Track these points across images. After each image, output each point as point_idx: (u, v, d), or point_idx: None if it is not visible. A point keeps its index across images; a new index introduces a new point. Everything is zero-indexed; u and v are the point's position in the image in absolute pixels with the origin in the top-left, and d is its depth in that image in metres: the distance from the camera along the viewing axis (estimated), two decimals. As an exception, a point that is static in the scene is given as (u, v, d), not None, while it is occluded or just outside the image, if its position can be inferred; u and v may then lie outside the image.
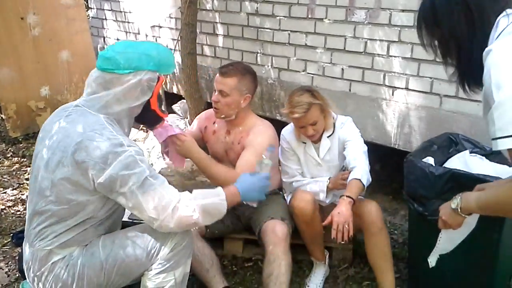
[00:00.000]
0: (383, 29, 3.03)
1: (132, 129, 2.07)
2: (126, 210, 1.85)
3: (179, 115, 4.95)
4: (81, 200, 1.71)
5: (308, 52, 3.52)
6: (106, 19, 5.57)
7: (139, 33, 5.10)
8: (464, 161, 2.22)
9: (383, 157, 3.33)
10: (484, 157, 2.25)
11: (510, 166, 1.65)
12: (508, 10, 1.27)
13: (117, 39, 5.37)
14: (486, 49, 1.19)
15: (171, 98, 5.24)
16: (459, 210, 1.46)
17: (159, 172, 3.07)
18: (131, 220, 2.70)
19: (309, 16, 3.44)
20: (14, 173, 3.85)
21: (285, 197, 2.58)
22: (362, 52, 3.19)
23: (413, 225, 2.35)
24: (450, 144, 2.41)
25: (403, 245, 2.82)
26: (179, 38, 3.88)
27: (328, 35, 3.36)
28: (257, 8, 3.78)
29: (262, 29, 3.80)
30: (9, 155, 4.25)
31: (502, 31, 1.23)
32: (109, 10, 5.46)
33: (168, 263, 1.83)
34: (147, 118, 1.90)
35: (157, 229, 1.76)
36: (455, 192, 1.56)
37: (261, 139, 2.34)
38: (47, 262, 1.77)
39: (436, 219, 1.73)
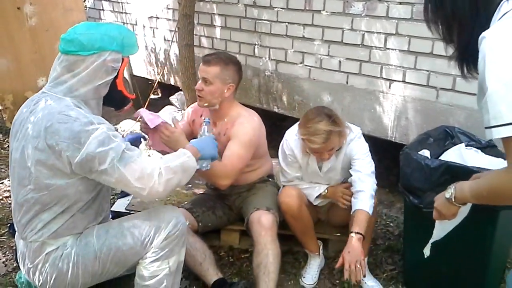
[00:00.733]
0: (381, 21, 3.03)
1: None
2: (119, 201, 1.86)
3: (176, 106, 4.95)
4: (60, 183, 1.71)
5: (306, 44, 3.52)
6: (103, 9, 5.54)
7: (136, 24, 5.08)
8: (459, 154, 2.23)
9: (379, 150, 3.33)
10: (479, 150, 2.26)
11: (505, 159, 1.66)
12: None
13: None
14: (482, 34, 1.17)
15: (169, 90, 5.25)
16: (453, 200, 1.46)
17: None
18: (128, 211, 2.73)
19: (307, 8, 3.43)
20: (11, 163, 3.85)
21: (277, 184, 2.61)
22: (359, 45, 3.18)
23: (408, 217, 2.37)
24: (446, 137, 2.42)
25: (398, 237, 2.84)
26: (177, 29, 3.88)
27: (326, 27, 3.36)
28: (254, -1, 3.77)
29: (259, 21, 3.79)
30: (6, 145, 4.25)
31: (503, 15, 1.21)
32: (106, 0, 5.44)
33: (162, 252, 1.85)
34: (114, 99, 1.91)
35: (146, 198, 1.78)
36: (450, 184, 1.56)
37: (245, 129, 2.34)
38: (41, 254, 1.78)
39: (431, 211, 1.75)
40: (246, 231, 2.41)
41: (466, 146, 2.30)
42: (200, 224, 2.45)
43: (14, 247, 2.55)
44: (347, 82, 3.33)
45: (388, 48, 3.04)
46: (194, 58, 3.81)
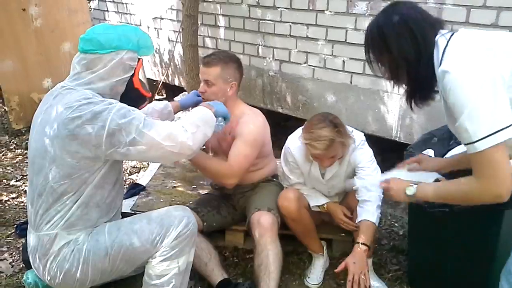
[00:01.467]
0: (385, 21, 3.02)
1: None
2: (124, 201, 1.88)
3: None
4: (82, 172, 1.75)
5: (310, 44, 3.52)
6: (108, 10, 5.56)
7: (140, 25, 5.10)
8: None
9: (384, 149, 3.33)
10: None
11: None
12: (442, 31, 1.47)
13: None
14: (440, 69, 1.36)
15: (173, 91, 5.26)
16: (411, 197, 1.62)
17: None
18: (133, 212, 2.74)
19: (310, 8, 3.43)
20: (17, 165, 3.87)
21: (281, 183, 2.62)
22: (363, 44, 3.17)
23: (413, 217, 2.36)
24: (450, 136, 2.41)
25: (403, 237, 2.83)
26: (181, 30, 3.89)
27: (329, 27, 3.36)
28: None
29: (263, 21, 3.79)
30: (12, 147, 4.27)
31: (444, 50, 1.40)
32: (110, 1, 5.46)
33: (172, 251, 1.87)
34: (131, 97, 1.94)
35: (180, 156, 1.85)
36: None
37: (250, 128, 2.35)
38: (52, 247, 1.80)
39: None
40: (250, 231, 2.42)
41: (470, 145, 2.29)
42: (205, 223, 2.46)
43: (21, 248, 2.56)
44: (351, 82, 3.33)
45: (392, 48, 3.03)
46: (198, 58, 3.82)
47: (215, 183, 2.73)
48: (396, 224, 3.02)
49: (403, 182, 1.68)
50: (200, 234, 2.38)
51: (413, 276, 2.42)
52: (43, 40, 4.55)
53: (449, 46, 1.40)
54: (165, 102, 2.45)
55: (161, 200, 2.96)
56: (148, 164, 3.70)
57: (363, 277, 1.96)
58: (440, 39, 1.43)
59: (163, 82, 5.02)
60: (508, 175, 1.30)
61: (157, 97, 5.25)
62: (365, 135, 2.39)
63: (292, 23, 3.59)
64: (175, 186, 3.15)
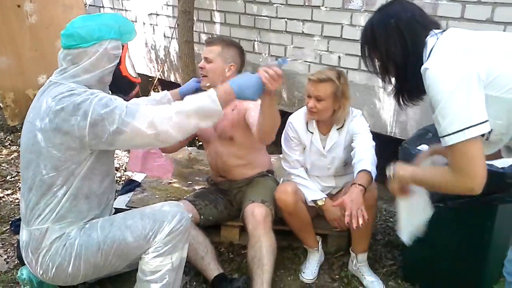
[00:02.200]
0: (380, 16, 3.02)
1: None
2: (120, 197, 1.86)
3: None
4: (69, 164, 1.75)
5: (305, 40, 3.51)
6: (103, 6, 5.54)
7: (136, 21, 5.08)
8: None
9: (379, 145, 3.33)
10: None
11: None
12: (435, 30, 1.49)
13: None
14: (423, 66, 1.40)
15: (169, 87, 5.25)
16: (392, 177, 1.66)
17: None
18: (128, 208, 2.74)
19: (306, 4, 3.43)
20: (12, 161, 3.87)
21: (276, 179, 2.63)
22: (359, 40, 3.16)
23: (407, 212, 2.37)
24: (445, 132, 2.41)
25: (398, 232, 2.84)
26: (176, 26, 3.88)
27: (325, 23, 3.36)
28: (254, -5, 3.77)
29: (259, 17, 3.79)
30: (7, 143, 4.26)
31: (432, 49, 1.44)
32: (106, -3, 5.44)
33: (165, 247, 1.86)
34: (121, 85, 1.95)
35: (162, 143, 1.79)
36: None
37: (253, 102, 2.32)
38: (44, 241, 1.81)
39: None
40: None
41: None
42: (202, 217, 2.47)
43: (16, 245, 2.56)
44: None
45: (388, 44, 3.03)
46: (194, 54, 3.82)
47: (211, 179, 2.73)
48: (391, 219, 3.03)
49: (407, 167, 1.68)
50: (197, 227, 2.39)
51: (407, 270, 2.42)
52: (38, 37, 4.54)
53: (436, 45, 1.44)
54: (164, 91, 2.46)
55: (157, 196, 2.95)
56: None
57: (360, 211, 2.02)
58: (430, 39, 1.47)
59: (158, 78, 5.01)
60: (481, 170, 1.33)
61: (153, 93, 5.23)
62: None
63: (288, 19, 3.59)
64: (170, 182, 3.15)
